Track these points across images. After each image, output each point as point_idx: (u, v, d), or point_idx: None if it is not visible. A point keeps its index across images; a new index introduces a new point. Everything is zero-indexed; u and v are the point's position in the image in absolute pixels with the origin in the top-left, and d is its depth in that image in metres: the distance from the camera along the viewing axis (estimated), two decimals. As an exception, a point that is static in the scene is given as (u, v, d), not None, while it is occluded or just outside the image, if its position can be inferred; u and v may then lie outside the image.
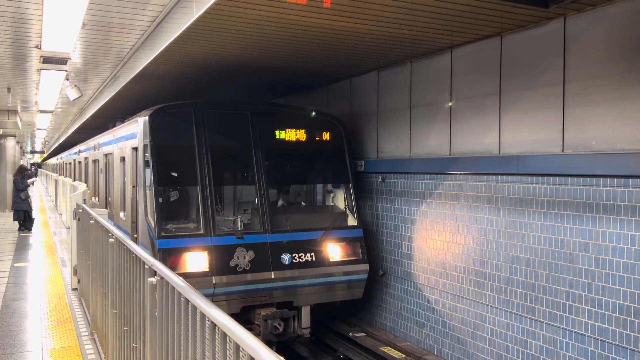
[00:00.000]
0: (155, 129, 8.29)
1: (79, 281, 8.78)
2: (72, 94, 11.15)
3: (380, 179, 9.47)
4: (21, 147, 35.72)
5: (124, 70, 9.99)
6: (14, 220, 17.34)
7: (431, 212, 8.31)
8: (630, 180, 5.50)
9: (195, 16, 6.07)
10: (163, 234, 7.93)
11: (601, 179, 5.78)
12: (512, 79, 6.90)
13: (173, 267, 7.64)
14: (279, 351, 7.81)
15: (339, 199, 9.63)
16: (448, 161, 7.88)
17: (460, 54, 7.72)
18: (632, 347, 5.53)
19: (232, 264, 8.03)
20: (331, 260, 8.73)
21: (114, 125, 13.35)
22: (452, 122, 7.90)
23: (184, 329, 3.01)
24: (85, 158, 18.92)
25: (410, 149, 8.80)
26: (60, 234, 16.64)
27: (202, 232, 8.11)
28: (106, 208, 12.74)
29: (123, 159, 10.45)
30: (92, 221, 6.76)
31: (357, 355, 8.96)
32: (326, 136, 9.45)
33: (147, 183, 8.35)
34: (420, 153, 8.56)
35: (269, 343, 7.82)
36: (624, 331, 5.60)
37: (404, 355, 8.47)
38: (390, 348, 8.76)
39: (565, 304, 6.23)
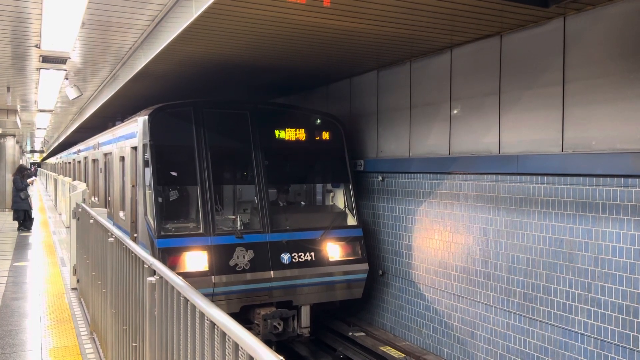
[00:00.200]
0: (154, 129, 8.28)
1: (78, 281, 8.78)
2: (72, 93, 11.14)
3: (379, 178, 9.47)
4: (21, 147, 35.72)
5: (123, 69, 9.99)
6: (14, 219, 17.33)
7: (431, 211, 8.30)
8: (630, 179, 5.50)
9: (195, 15, 6.06)
10: (162, 233, 7.92)
11: (601, 178, 5.78)
12: (511, 78, 6.89)
13: (172, 267, 7.64)
14: (278, 351, 7.82)
15: (339, 199, 9.63)
16: (448, 161, 7.87)
17: (460, 54, 7.72)
18: (631, 347, 5.53)
19: (231, 263, 8.03)
20: (331, 259, 8.73)
21: (114, 125, 13.34)
22: (451, 122, 7.90)
23: (183, 329, 3.00)
24: (85, 157, 18.91)
25: (409, 148, 8.80)
26: (60, 233, 16.64)
27: (201, 231, 8.11)
28: (106, 207, 12.73)
29: (122, 159, 10.45)
30: (91, 221, 6.75)
31: (356, 355, 8.95)
32: (326, 136, 9.45)
33: (147, 182, 8.35)
34: (420, 153, 8.56)
35: (268, 343, 7.81)
36: (624, 331, 5.60)
37: (403, 355, 8.47)
38: (389, 347, 8.76)
39: (565, 304, 6.23)
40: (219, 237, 8.13)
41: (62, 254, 12.64)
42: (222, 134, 8.69)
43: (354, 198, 9.35)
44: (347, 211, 9.37)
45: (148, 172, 8.29)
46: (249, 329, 7.92)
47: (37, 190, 41.16)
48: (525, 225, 6.70)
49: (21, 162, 30.48)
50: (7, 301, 8.40)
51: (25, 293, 8.94)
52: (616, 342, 5.67)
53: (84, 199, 9.79)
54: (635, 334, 5.50)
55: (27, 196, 17.25)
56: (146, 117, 8.36)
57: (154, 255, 7.54)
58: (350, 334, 9.47)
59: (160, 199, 8.19)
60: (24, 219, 17.10)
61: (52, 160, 53.74)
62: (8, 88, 12.28)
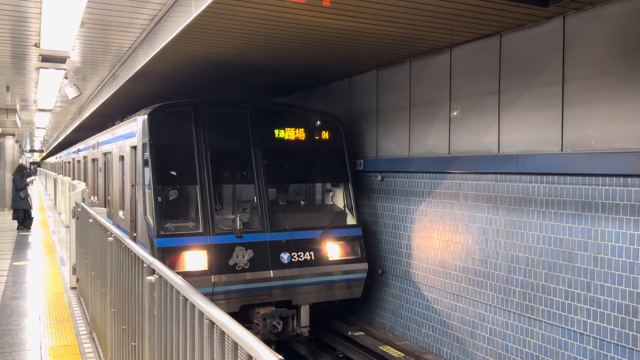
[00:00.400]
0: (154, 128, 8.28)
1: (77, 280, 8.77)
2: (71, 92, 11.13)
3: (379, 178, 9.47)
4: (20, 146, 35.69)
5: (122, 68, 9.99)
6: (13, 219, 17.33)
7: (430, 211, 8.30)
8: (629, 179, 5.50)
9: (194, 14, 6.06)
10: (162, 232, 7.92)
11: (600, 178, 5.78)
12: (511, 78, 6.89)
13: (172, 266, 7.64)
14: (278, 350, 7.81)
15: (338, 198, 9.63)
16: (447, 160, 7.87)
17: (460, 53, 7.72)
18: (630, 346, 5.53)
19: (231, 262, 8.03)
20: (330, 259, 8.73)
21: (113, 124, 13.33)
22: (451, 121, 7.90)
23: (182, 328, 3.00)
24: (84, 157, 18.90)
25: (409, 148, 8.80)
26: (59, 232, 16.63)
27: (201, 231, 8.11)
28: (105, 207, 12.73)
29: (122, 158, 10.45)
30: (91, 220, 6.75)
31: (356, 354, 8.96)
32: (325, 135, 9.45)
33: (146, 182, 8.35)
34: (420, 152, 8.56)
35: (268, 342, 7.81)
36: (623, 330, 5.60)
37: (403, 354, 8.47)
38: (389, 347, 8.76)
39: (564, 303, 6.23)
40: (219, 237, 8.12)
41: (61, 254, 12.64)
42: (222, 134, 8.69)
43: (354, 197, 9.35)
44: (347, 211, 9.37)
45: (147, 171, 8.28)
46: (249, 328, 7.91)
47: (37, 190, 41.15)
48: (524, 224, 6.70)
49: (21, 162, 30.47)
50: (6, 300, 8.39)
51: (24, 292, 8.94)
52: (615, 342, 5.67)
53: (84, 199, 9.79)
54: (634, 333, 5.50)
55: (27, 195, 17.25)
56: (146, 116, 8.36)
57: (153, 254, 7.54)
58: (349, 333, 9.47)
59: (159, 199, 8.19)
60: (24, 218, 17.10)
61: (51, 159, 53.73)
62: (7, 87, 12.28)
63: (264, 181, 8.73)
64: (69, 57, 9.09)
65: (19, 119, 18.15)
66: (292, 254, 8.43)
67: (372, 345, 8.89)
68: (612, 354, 5.72)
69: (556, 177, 6.27)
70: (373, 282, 9.60)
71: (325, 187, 10.01)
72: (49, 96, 13.49)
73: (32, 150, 53.65)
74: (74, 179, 19.71)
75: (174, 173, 8.60)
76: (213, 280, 7.85)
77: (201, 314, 2.68)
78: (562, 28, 6.19)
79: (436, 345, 8.28)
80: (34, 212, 19.42)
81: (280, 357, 1.91)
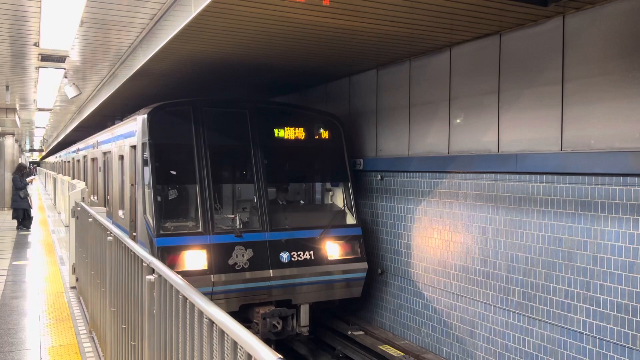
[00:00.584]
0: (153, 127, 8.28)
1: (77, 279, 8.77)
2: (71, 92, 11.13)
3: (379, 177, 9.47)
4: (20, 146, 35.69)
5: (122, 68, 9.98)
6: (13, 218, 17.33)
7: (430, 210, 8.30)
8: (629, 178, 5.50)
9: (194, 14, 6.06)
10: (162, 232, 7.92)
11: (600, 177, 5.78)
12: (511, 77, 6.89)
13: (171, 265, 7.64)
14: (277, 349, 7.82)
15: (338, 198, 9.63)
16: (447, 160, 7.87)
17: (459, 53, 7.72)
18: (630, 346, 5.53)
19: (230, 262, 8.03)
20: (330, 258, 8.73)
21: (113, 124, 13.33)
22: (450, 121, 7.90)
23: (182, 327, 3.00)
24: (84, 156, 18.90)
25: (409, 147, 8.80)
26: (59, 232, 16.63)
27: (200, 230, 8.11)
28: (105, 206, 12.72)
29: (122, 157, 10.44)
30: (90, 219, 6.75)
31: (355, 354, 8.96)
32: (325, 134, 9.45)
33: (146, 181, 8.34)
34: (419, 151, 8.56)
35: (267, 341, 7.81)
36: (623, 329, 5.61)
37: (402, 354, 8.47)
38: (389, 346, 8.76)
39: (564, 303, 6.23)
40: (218, 236, 8.12)
41: (61, 253, 12.64)
42: (221, 133, 8.69)
43: (353, 197, 9.35)
44: (346, 210, 9.37)
45: (147, 170, 8.28)
46: (248, 327, 7.91)
47: (37, 189, 41.14)
48: (524, 224, 6.70)
49: (20, 161, 30.46)
50: (6, 300, 8.39)
51: (24, 292, 8.94)
52: (615, 341, 5.67)
53: (83, 198, 9.79)
54: (634, 332, 5.51)
55: (27, 195, 17.25)
56: (145, 115, 8.35)
57: (153, 254, 7.53)
58: (349, 332, 9.47)
59: (159, 198, 8.18)
60: (23, 217, 17.10)
61: (51, 159, 53.71)
62: (7, 87, 12.27)
63: (263, 180, 8.73)
64: (68, 57, 9.09)
65: (19, 118, 18.14)
66: (292, 253, 8.43)
67: (372, 344, 8.90)
68: (611, 353, 5.72)
69: (556, 176, 6.27)
70: (373, 282, 9.60)
71: (325, 186, 10.01)
72: (49, 95, 13.48)
73: (31, 150, 53.62)
74: (73, 179, 19.71)
75: (173, 172, 8.59)
76: (212, 280, 7.85)
77: (201, 313, 2.68)
78: (561, 27, 6.19)
79: (436, 345, 8.29)
80: (34, 212, 19.41)
81: (280, 356, 1.91)
